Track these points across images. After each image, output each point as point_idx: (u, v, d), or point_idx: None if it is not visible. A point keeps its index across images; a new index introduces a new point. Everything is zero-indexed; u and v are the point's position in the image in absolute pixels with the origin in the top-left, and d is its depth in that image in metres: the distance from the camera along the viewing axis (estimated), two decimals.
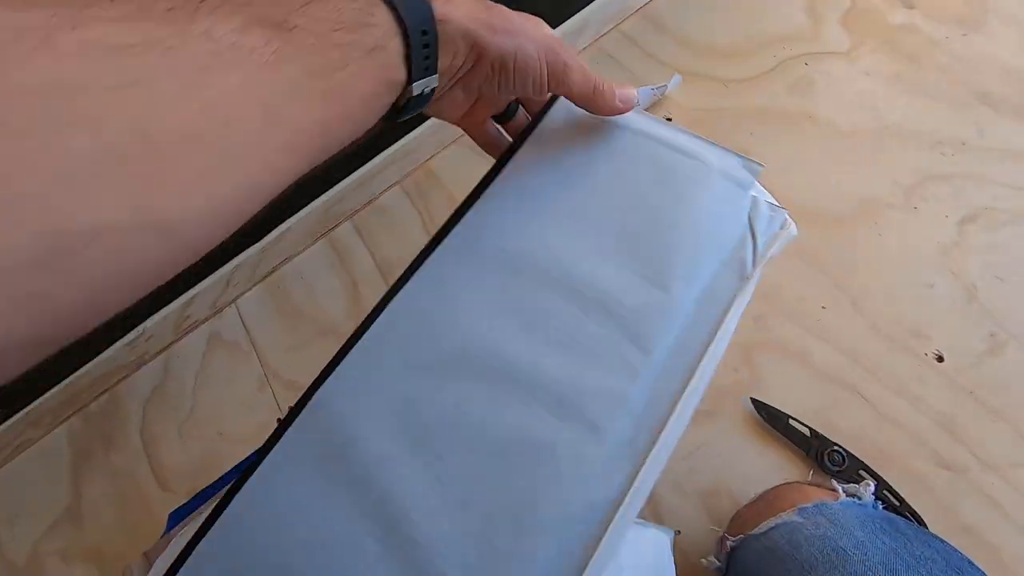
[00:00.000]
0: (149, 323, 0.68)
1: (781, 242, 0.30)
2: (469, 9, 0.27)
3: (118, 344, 0.67)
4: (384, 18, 0.23)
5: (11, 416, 0.66)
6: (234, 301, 0.72)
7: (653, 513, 0.51)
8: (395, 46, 0.23)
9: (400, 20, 0.23)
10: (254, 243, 0.68)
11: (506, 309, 0.29)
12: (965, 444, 0.48)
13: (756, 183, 0.32)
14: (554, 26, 0.68)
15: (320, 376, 0.28)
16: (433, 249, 0.30)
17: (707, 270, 0.30)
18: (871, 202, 0.58)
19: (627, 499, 0.25)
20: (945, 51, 0.63)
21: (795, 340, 0.54)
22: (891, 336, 0.53)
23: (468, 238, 0.30)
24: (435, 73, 0.26)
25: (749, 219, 0.31)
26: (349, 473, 0.25)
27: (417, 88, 0.25)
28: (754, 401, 0.52)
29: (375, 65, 0.22)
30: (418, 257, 0.30)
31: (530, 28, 0.28)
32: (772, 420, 0.51)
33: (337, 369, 0.27)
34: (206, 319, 0.72)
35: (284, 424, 0.27)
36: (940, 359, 0.51)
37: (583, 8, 0.69)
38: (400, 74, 0.24)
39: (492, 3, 0.28)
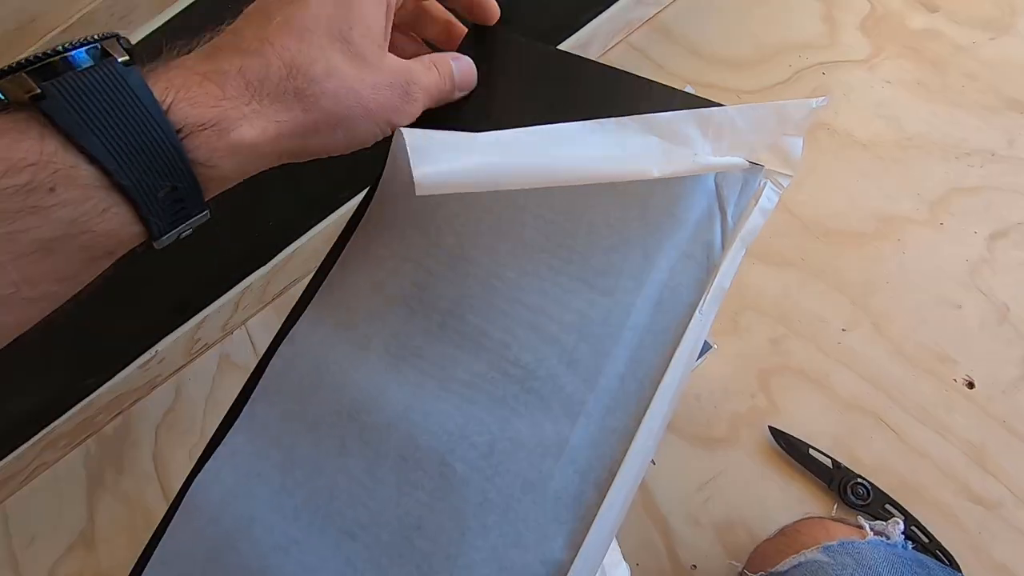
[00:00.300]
0: (161, 346, 0.68)
1: (760, 212, 0.24)
2: (268, 120, 0.21)
3: (132, 366, 0.68)
4: (88, 178, 0.18)
5: (28, 439, 0.67)
6: (244, 323, 0.72)
7: (666, 546, 0.49)
8: (121, 211, 0.19)
9: (119, 186, 0.18)
10: (263, 265, 0.68)
11: (406, 351, 0.24)
12: (997, 477, 0.46)
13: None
14: (559, 42, 0.67)
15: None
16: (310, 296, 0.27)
17: (663, 262, 0.24)
18: (893, 217, 0.56)
19: (575, 562, 0.21)
20: (971, 56, 0.60)
21: (814, 364, 0.52)
22: (916, 361, 0.50)
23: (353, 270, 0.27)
24: (199, 213, 0.21)
25: (716, 186, 0.24)
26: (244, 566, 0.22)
27: (167, 239, 0.21)
28: (772, 430, 0.50)
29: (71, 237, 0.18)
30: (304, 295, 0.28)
31: (364, 92, 0.22)
32: (791, 450, 0.49)
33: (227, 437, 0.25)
34: (216, 342, 0.72)
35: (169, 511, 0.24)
36: (970, 385, 0.48)
37: (590, 22, 0.67)
38: (131, 230, 0.20)
39: (315, 77, 0.21)
